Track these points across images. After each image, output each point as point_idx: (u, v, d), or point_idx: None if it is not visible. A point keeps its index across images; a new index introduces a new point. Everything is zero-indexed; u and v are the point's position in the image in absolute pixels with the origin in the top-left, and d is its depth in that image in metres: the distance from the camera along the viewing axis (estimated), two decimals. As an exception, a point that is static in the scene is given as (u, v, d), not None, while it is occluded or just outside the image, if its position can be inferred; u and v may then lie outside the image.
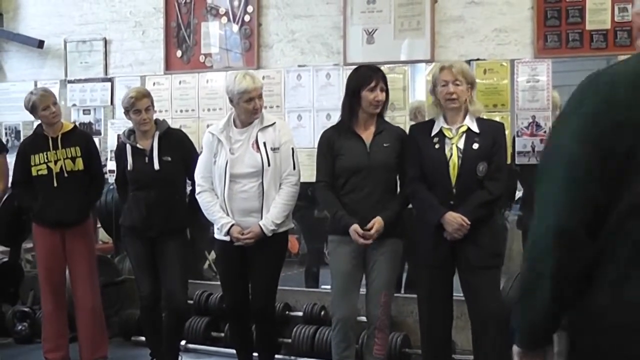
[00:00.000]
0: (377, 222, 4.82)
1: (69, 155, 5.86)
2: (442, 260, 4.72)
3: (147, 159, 5.52)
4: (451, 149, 4.71)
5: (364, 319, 5.22)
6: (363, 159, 4.91)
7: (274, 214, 5.09)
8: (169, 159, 5.52)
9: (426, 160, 4.77)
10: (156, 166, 5.49)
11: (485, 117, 5.01)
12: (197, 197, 5.28)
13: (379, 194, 4.90)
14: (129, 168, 5.56)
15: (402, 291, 6.46)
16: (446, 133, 4.76)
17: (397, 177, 5.05)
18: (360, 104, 4.92)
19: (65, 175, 5.83)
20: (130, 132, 5.66)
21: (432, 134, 4.79)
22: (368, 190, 4.89)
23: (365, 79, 4.92)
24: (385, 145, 4.92)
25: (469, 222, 4.58)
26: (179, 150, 5.61)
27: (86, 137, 6.18)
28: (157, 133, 5.58)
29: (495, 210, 4.90)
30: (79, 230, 5.97)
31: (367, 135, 4.95)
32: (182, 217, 5.67)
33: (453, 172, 4.66)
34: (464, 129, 4.75)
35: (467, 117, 4.78)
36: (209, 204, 5.21)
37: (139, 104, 5.50)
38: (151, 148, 5.52)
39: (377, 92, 4.90)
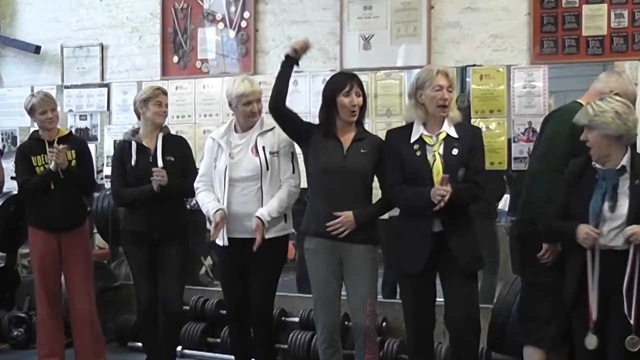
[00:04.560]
0: (345, 215, 4.78)
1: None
2: (425, 267, 4.63)
3: (151, 157, 5.57)
4: (433, 155, 4.63)
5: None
6: (339, 160, 4.86)
7: (270, 206, 5.08)
8: (172, 159, 5.58)
9: (408, 168, 4.68)
10: (160, 164, 5.53)
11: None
12: (196, 197, 5.33)
13: (353, 198, 4.84)
14: (132, 164, 5.58)
15: (398, 297, 6.42)
16: (427, 140, 4.66)
17: (372, 187, 4.97)
18: (337, 110, 4.88)
19: (62, 177, 5.80)
20: (134, 132, 5.71)
21: (412, 140, 4.70)
22: (341, 192, 4.84)
23: (339, 84, 4.87)
24: (362, 151, 4.86)
25: (451, 190, 4.45)
26: (180, 152, 5.67)
27: (80, 142, 6.19)
28: (161, 134, 5.65)
29: (469, 209, 4.79)
30: (75, 235, 5.96)
31: (346, 139, 4.88)
32: (183, 217, 5.74)
33: (437, 179, 4.56)
34: (443, 135, 4.66)
35: (446, 123, 4.70)
36: (205, 198, 5.23)
37: (162, 97, 5.64)
38: (155, 147, 5.59)
39: (353, 97, 4.84)
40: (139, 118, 5.74)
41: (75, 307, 6.00)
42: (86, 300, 6.00)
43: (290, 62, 5.03)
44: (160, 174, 5.45)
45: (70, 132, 6.35)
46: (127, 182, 5.63)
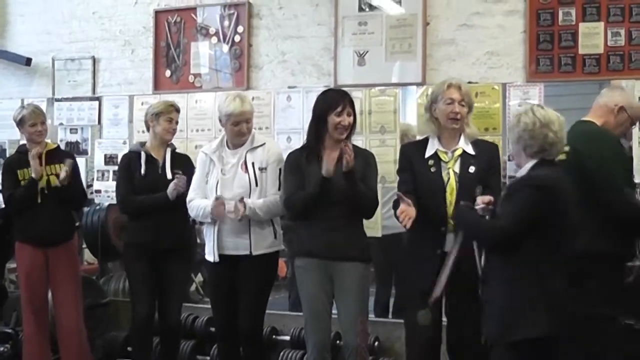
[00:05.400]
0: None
1: (54, 172, 5.86)
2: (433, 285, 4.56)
3: (159, 169, 5.69)
4: (448, 173, 4.63)
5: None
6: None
7: (255, 200, 5.09)
8: (180, 172, 5.60)
9: (421, 184, 4.67)
10: (169, 175, 5.63)
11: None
12: (188, 207, 5.32)
13: (344, 221, 4.83)
14: (142, 173, 5.65)
15: (390, 316, 6.39)
16: (442, 156, 4.67)
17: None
18: (326, 128, 4.87)
19: (49, 191, 5.80)
20: (142, 144, 5.81)
21: (427, 155, 4.71)
22: (331, 217, 4.81)
23: (332, 102, 4.86)
24: None
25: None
26: (186, 169, 5.66)
27: (69, 156, 6.14)
28: (169, 149, 5.79)
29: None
30: (63, 250, 5.96)
31: (331, 159, 4.81)
32: (189, 230, 5.88)
33: (450, 198, 4.57)
34: (459, 152, 4.67)
35: (462, 139, 4.70)
36: (200, 202, 5.22)
37: (174, 114, 5.76)
38: (164, 160, 5.72)
39: (344, 117, 4.84)
40: (148, 130, 5.83)
41: (62, 324, 5.98)
42: (74, 317, 5.98)
43: (325, 182, 4.79)
44: (182, 179, 5.47)
45: (58, 146, 6.38)
46: (134, 191, 5.68)
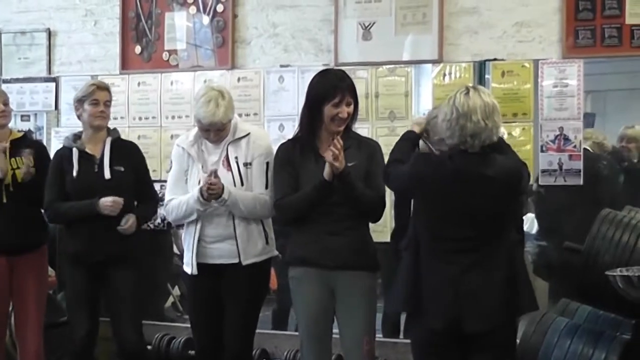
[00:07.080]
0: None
1: (20, 165, 5.74)
2: None
3: (96, 167, 5.50)
4: None
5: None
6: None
7: (242, 192, 5.03)
8: (122, 169, 5.51)
9: None
10: (107, 175, 5.48)
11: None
12: (165, 211, 5.33)
13: (346, 224, 4.76)
14: (74, 174, 5.47)
15: (401, 336, 6.35)
16: None
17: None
18: (322, 118, 4.77)
19: (15, 188, 5.71)
20: (76, 137, 5.59)
21: None
22: (330, 219, 4.75)
23: (328, 91, 4.74)
24: (349, 164, 4.70)
25: None
26: (131, 161, 5.61)
27: (39, 146, 6.05)
28: (109, 139, 5.56)
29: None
30: (31, 260, 5.83)
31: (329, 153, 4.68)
32: (135, 240, 5.60)
33: None
34: None
35: None
36: (179, 201, 5.14)
37: (99, 94, 5.51)
38: (102, 155, 5.52)
39: (342, 107, 4.73)
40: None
41: (25, 349, 5.88)
42: (37, 341, 5.86)
43: (327, 186, 4.73)
44: (116, 204, 5.39)
45: (25, 134, 6.26)
46: (66, 195, 5.51)
